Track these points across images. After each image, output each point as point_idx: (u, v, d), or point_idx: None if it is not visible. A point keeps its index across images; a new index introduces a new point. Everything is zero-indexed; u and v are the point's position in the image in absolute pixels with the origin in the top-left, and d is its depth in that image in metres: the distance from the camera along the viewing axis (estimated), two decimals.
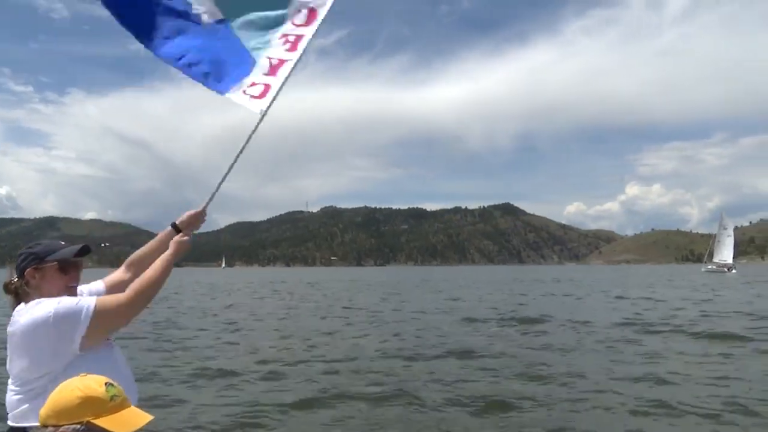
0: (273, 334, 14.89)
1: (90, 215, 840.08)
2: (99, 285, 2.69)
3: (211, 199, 2.98)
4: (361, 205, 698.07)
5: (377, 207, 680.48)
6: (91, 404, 1.49)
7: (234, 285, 53.70)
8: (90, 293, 2.56)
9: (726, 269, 75.63)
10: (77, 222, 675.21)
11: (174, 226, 2.82)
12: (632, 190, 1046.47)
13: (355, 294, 35.34)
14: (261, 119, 3.16)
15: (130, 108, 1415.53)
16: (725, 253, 77.41)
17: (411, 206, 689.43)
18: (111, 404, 1.51)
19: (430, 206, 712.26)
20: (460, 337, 13.84)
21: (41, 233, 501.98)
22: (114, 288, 2.65)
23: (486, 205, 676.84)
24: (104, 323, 2.22)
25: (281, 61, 3.31)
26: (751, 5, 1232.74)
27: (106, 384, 1.54)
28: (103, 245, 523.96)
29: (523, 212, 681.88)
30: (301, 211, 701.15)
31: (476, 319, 17.69)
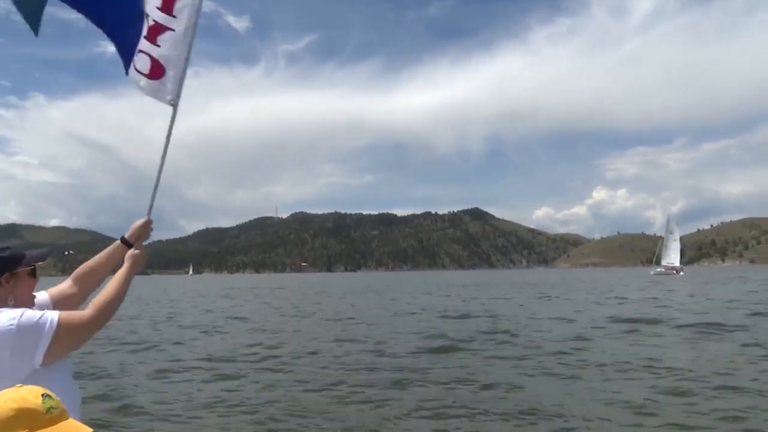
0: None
1: (54, 222, 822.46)
2: (43, 295, 2.56)
3: (151, 207, 2.89)
4: (332, 210, 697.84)
5: (347, 213, 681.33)
6: (26, 417, 1.38)
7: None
8: (38, 303, 2.47)
9: (674, 271, 78.51)
10: (41, 229, 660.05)
11: (123, 240, 2.73)
12: (599, 194, 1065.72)
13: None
14: (174, 113, 2.97)
15: (94, 113, 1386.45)
16: (672, 257, 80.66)
17: (381, 212, 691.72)
18: (47, 417, 1.40)
19: (400, 212, 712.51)
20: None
21: (3, 241, 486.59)
22: (60, 301, 2.55)
23: (455, 210, 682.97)
24: (67, 338, 2.13)
25: (158, 26, 2.98)
26: (711, 14, 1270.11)
27: (42, 395, 1.44)
28: (67, 253, 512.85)
29: (493, 217, 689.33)
30: (271, 217, 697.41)
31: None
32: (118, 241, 2.73)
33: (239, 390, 8.80)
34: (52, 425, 1.40)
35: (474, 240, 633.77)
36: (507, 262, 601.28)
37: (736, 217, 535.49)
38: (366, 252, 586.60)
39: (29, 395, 1.43)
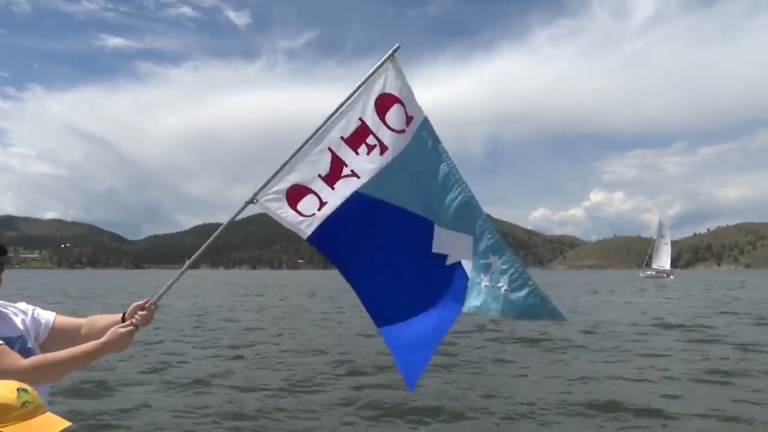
0: None
1: (50, 215, 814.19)
2: (49, 316, 2.45)
3: (161, 296, 2.62)
4: None
5: None
6: None
7: None
8: (37, 316, 2.39)
9: (664, 275, 78.75)
10: (37, 222, 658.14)
11: (123, 317, 2.49)
12: (596, 196, 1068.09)
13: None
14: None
15: (93, 106, 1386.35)
16: (663, 260, 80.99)
17: None
18: (21, 411, 1.38)
19: None
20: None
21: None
22: (62, 331, 2.41)
23: None
24: None
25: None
26: (711, 17, 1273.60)
27: (18, 389, 1.42)
28: (63, 246, 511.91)
29: (490, 217, 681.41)
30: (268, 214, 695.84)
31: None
32: (120, 315, 2.51)
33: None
34: (27, 419, 1.39)
35: None
36: None
37: (732, 222, 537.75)
38: None
39: (4, 389, 1.41)
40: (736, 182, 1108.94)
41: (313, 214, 3.03)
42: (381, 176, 3.08)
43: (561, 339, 14.12)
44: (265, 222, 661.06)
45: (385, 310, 3.10)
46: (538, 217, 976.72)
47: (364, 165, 3.06)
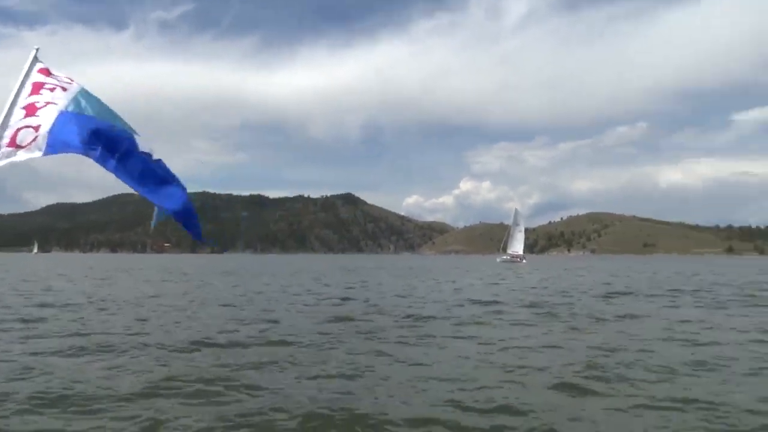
0: None
1: None
2: None
3: None
4: (200, 190, 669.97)
5: (216, 192, 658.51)
6: None
7: None
8: None
9: (518, 259, 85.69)
10: None
11: None
12: (466, 185, 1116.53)
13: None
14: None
15: None
16: (517, 246, 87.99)
17: (252, 193, 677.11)
18: None
19: (272, 194, 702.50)
20: None
21: None
22: None
23: (328, 195, 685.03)
24: None
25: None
26: (576, 23, 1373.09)
27: None
28: None
29: (365, 203, 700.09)
30: (132, 194, 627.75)
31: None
32: None
33: None
34: None
35: (345, 225, 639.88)
36: (375, 247, 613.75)
37: (582, 212, 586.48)
38: (234, 233, 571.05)
39: None
40: (587, 176, 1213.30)
41: (35, 138, 3.42)
42: (75, 101, 3.64)
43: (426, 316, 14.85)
44: (127, 203, 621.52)
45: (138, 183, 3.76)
46: (412, 203, 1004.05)
47: (54, 97, 3.57)
